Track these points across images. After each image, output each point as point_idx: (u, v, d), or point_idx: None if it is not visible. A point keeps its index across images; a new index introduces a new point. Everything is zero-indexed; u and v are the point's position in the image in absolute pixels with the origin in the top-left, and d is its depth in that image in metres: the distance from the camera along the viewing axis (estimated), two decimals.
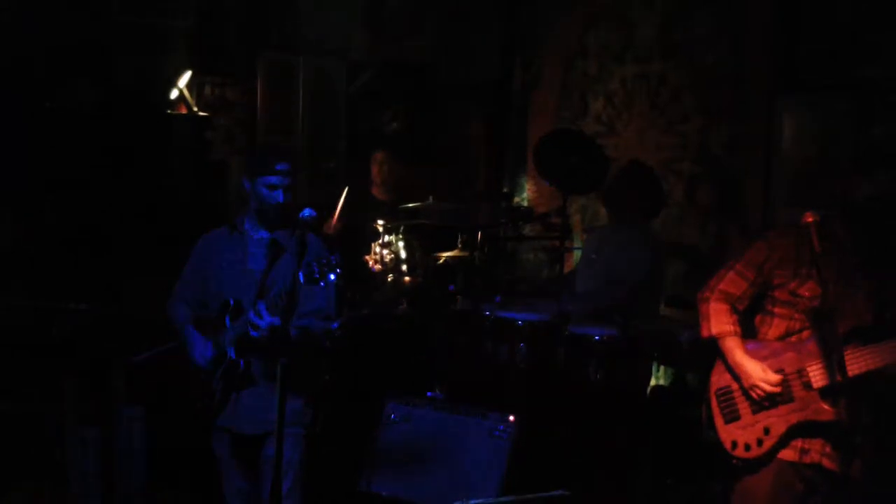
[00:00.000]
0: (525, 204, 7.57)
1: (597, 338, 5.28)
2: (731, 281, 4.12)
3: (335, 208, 6.75)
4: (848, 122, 5.75)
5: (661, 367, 5.91)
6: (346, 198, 6.82)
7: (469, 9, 7.97)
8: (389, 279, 6.39)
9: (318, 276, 3.86)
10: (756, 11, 6.26)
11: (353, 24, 7.85)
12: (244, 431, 4.43)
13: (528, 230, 6.81)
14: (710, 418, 4.10)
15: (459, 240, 6.33)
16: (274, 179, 4.34)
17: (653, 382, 5.21)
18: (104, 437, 5.16)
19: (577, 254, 6.72)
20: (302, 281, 3.88)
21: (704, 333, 4.15)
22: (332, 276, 3.90)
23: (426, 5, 7.96)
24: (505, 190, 7.52)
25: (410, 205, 6.49)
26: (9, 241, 5.91)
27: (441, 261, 6.37)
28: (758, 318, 4.16)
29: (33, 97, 6.63)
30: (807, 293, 3.97)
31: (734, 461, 4.03)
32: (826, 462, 3.95)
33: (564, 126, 7.23)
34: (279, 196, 4.36)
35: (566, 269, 6.36)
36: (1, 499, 5.26)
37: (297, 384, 4.25)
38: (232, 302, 4.41)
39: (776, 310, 4.08)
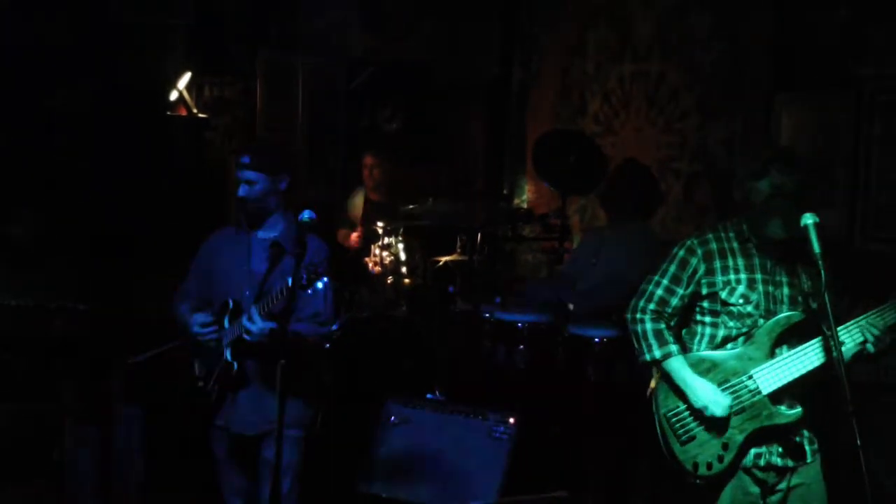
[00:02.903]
0: (524, 205, 7.57)
1: (596, 339, 5.29)
2: (661, 298, 3.97)
3: (352, 219, 6.81)
4: (845, 119, 5.76)
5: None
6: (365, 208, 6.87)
7: (467, 8, 7.96)
8: (389, 281, 6.39)
9: (305, 283, 3.86)
10: (754, 9, 6.27)
11: (352, 23, 7.84)
12: (241, 432, 4.44)
13: (527, 231, 6.81)
14: (665, 441, 3.94)
15: (459, 241, 6.32)
16: (237, 173, 4.40)
17: (652, 384, 5.20)
18: (103, 436, 5.16)
19: (576, 254, 6.72)
20: (290, 286, 3.89)
21: (645, 357, 3.98)
22: (320, 285, 3.89)
23: (425, 4, 7.95)
24: (504, 191, 7.53)
25: (409, 206, 6.48)
26: (8, 241, 5.90)
27: (440, 262, 6.36)
28: (686, 330, 4.04)
29: (32, 97, 6.62)
30: (740, 299, 3.88)
31: (697, 481, 3.90)
32: (778, 459, 3.89)
33: (562, 126, 7.23)
34: (241, 190, 4.38)
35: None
36: None
37: (296, 386, 4.24)
38: (231, 303, 4.41)
39: (707, 319, 3.96)
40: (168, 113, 7.40)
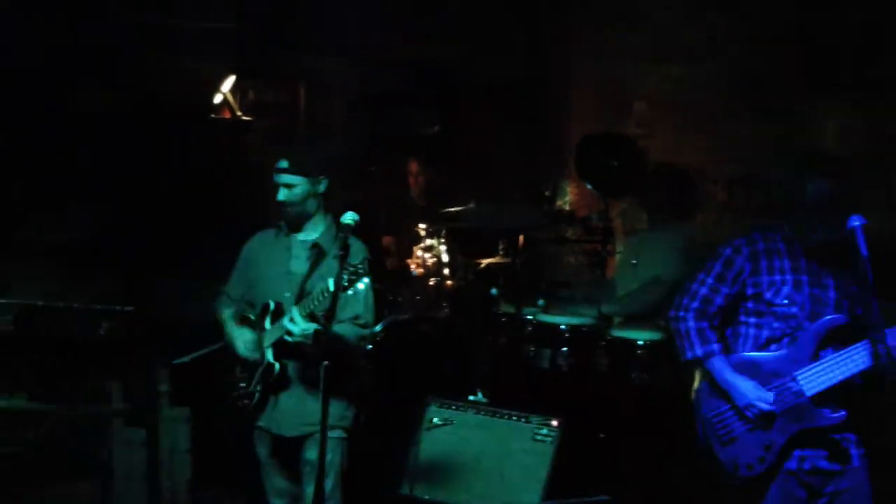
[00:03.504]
0: (566, 207, 7.54)
1: (640, 342, 5.26)
2: (705, 297, 3.97)
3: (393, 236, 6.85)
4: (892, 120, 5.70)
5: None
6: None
7: (508, 10, 7.95)
8: (431, 283, 6.39)
9: (346, 284, 3.89)
10: (795, 11, 6.22)
11: (393, 28, 7.86)
12: (283, 433, 4.47)
13: (569, 233, 6.78)
14: (707, 442, 3.97)
15: (501, 243, 6.31)
16: (275, 177, 4.43)
17: (695, 387, 5.17)
18: (149, 437, 5.20)
19: (618, 258, 6.70)
20: (332, 289, 3.91)
21: (687, 355, 3.98)
22: (361, 286, 3.92)
23: (466, 7, 7.95)
24: (546, 193, 7.50)
25: (452, 209, 6.49)
26: (56, 245, 5.98)
27: (483, 265, 6.36)
28: (730, 331, 4.03)
29: (76, 101, 6.70)
30: (784, 300, 3.88)
31: (736, 482, 3.91)
32: (825, 464, 3.87)
33: (605, 129, 7.20)
34: (280, 194, 4.42)
35: (608, 273, 6.35)
36: (47, 498, 5.32)
37: (339, 387, 4.27)
38: (272, 305, 4.44)
39: (751, 319, 3.96)
40: (212, 116, 7.46)
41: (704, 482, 4.94)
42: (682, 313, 4.01)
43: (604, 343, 5.37)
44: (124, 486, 5.13)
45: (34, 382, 5.33)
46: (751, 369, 3.88)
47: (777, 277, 3.90)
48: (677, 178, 5.93)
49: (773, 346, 3.91)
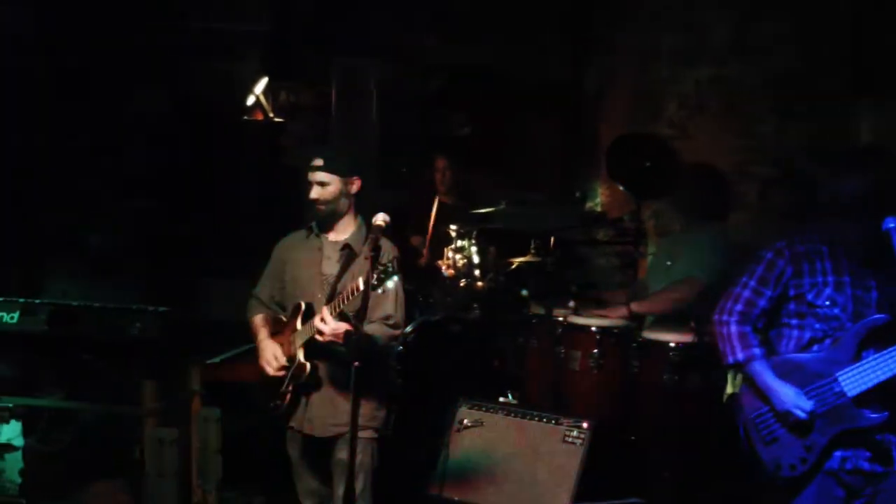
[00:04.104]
0: (598, 208, 7.52)
1: (671, 344, 5.22)
2: (748, 300, 4.00)
3: (423, 236, 6.85)
4: None
5: (738, 375, 5.82)
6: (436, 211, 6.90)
7: (539, 11, 7.94)
8: (462, 284, 6.38)
9: (376, 282, 3.90)
10: (831, 12, 6.16)
11: (424, 28, 7.87)
12: (314, 434, 4.49)
13: (601, 235, 6.76)
14: (749, 440, 3.99)
15: (532, 245, 6.30)
16: (309, 175, 4.46)
17: (728, 390, 5.13)
18: (181, 436, 5.24)
19: (650, 259, 6.66)
20: (361, 287, 3.92)
21: (729, 360, 4.01)
22: (391, 284, 3.94)
23: (497, 8, 7.95)
24: (578, 194, 7.48)
25: (483, 209, 6.48)
26: (89, 248, 6.03)
27: (513, 266, 6.34)
28: (774, 332, 4.05)
29: (110, 103, 6.76)
30: (826, 301, 3.89)
31: (779, 482, 3.93)
32: (866, 465, 3.88)
33: (637, 129, 7.17)
34: (312, 192, 4.45)
35: (640, 274, 6.31)
36: (81, 496, 5.37)
37: (369, 388, 4.28)
38: (304, 305, 4.46)
39: (794, 321, 3.98)
40: (245, 118, 7.50)
41: (735, 485, 4.93)
42: (725, 317, 4.04)
43: (635, 345, 5.34)
44: (156, 485, 5.16)
45: (69, 382, 5.39)
46: (794, 371, 3.91)
47: (819, 279, 3.91)
48: (711, 179, 5.88)
49: (815, 347, 3.93)
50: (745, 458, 4.02)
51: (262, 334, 4.61)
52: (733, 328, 4.00)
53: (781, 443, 3.91)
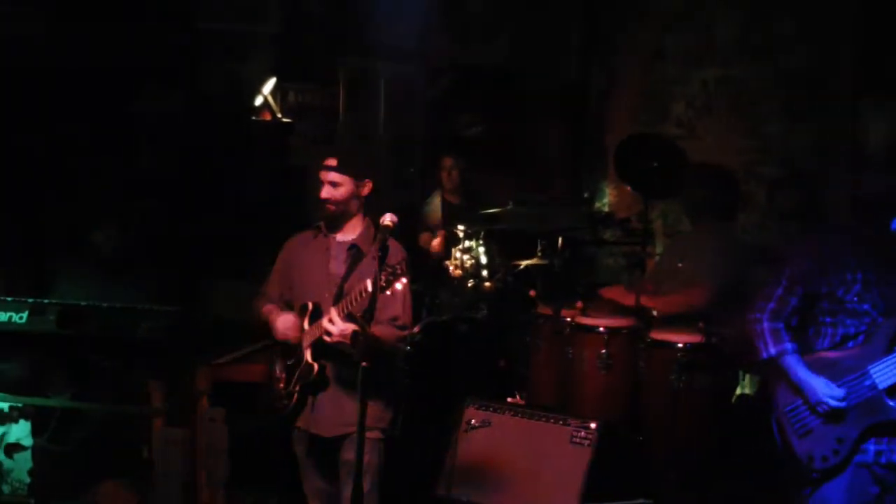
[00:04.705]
0: (606, 209, 7.51)
1: (679, 344, 5.22)
2: (780, 298, 4.12)
3: (432, 227, 6.84)
4: None
5: (747, 375, 5.82)
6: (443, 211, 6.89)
7: (547, 12, 7.94)
8: (470, 284, 6.39)
9: (384, 284, 3.90)
10: (839, 12, 6.15)
11: (432, 29, 7.88)
12: (320, 434, 4.49)
13: (608, 235, 6.75)
14: (783, 434, 4.11)
15: (539, 245, 6.30)
16: (321, 174, 4.46)
17: (738, 391, 5.13)
18: (189, 436, 5.25)
19: (660, 259, 6.65)
20: (370, 289, 3.93)
21: (763, 355, 4.14)
22: (399, 286, 3.94)
23: (504, 9, 7.95)
24: (585, 195, 7.48)
25: (490, 210, 6.48)
26: (96, 248, 6.04)
27: (521, 266, 6.34)
28: (812, 330, 4.16)
29: (118, 104, 6.77)
30: (855, 297, 3.98)
31: (813, 475, 4.03)
32: None
33: (644, 130, 7.16)
34: (324, 191, 4.45)
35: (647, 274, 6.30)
36: (89, 496, 5.39)
37: (377, 389, 4.28)
38: (311, 305, 4.46)
39: (827, 319, 4.08)
40: (253, 118, 7.51)
41: (743, 485, 4.94)
42: (758, 315, 4.16)
43: (643, 345, 5.33)
44: (163, 485, 5.17)
45: (77, 382, 5.40)
46: (826, 367, 4.03)
47: (848, 276, 4.00)
48: (719, 179, 5.87)
49: (850, 344, 4.04)
50: (776, 454, 4.15)
51: (275, 312, 4.60)
52: (766, 325, 4.13)
53: (815, 435, 4.02)
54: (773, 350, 4.11)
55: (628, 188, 6.40)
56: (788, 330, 4.12)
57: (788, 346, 4.10)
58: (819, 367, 4.04)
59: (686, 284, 5.53)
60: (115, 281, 5.80)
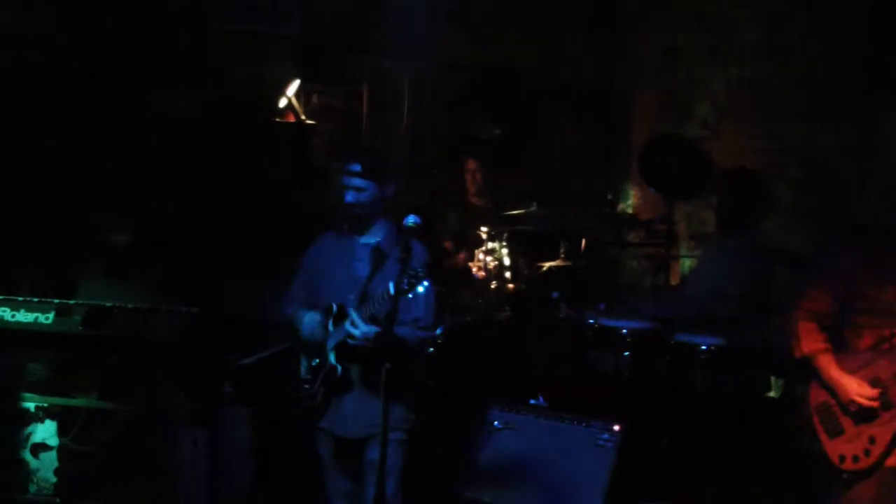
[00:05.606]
0: (629, 211, 7.49)
1: (703, 347, 5.20)
2: (816, 297, 4.15)
3: (457, 239, 6.86)
4: None
5: (774, 379, 5.79)
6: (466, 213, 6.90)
7: (568, 12, 7.92)
8: (493, 286, 6.38)
9: (406, 287, 3.91)
10: (860, 13, 6.12)
11: (455, 30, 7.87)
12: (345, 435, 4.50)
13: (631, 237, 6.73)
14: (814, 434, 4.13)
15: (562, 247, 6.29)
16: (345, 179, 4.47)
17: (771, 393, 5.12)
18: (213, 437, 5.26)
19: (682, 261, 6.63)
20: (392, 292, 3.94)
21: (796, 353, 4.17)
22: (421, 289, 3.95)
23: (525, 9, 7.94)
24: (608, 196, 7.46)
25: (513, 212, 6.47)
26: (124, 245, 6.08)
27: (544, 268, 6.34)
28: (847, 331, 4.16)
29: (142, 104, 6.80)
30: (891, 298, 3.99)
31: (844, 475, 4.04)
32: None
33: (667, 130, 7.14)
34: (346, 196, 4.46)
35: (671, 276, 6.28)
36: (114, 495, 5.42)
37: (399, 390, 4.28)
38: (335, 307, 4.47)
39: (863, 320, 4.09)
40: (276, 120, 7.53)
41: (767, 488, 4.91)
42: (792, 314, 4.20)
43: (666, 347, 5.32)
44: (188, 485, 5.19)
45: (103, 382, 5.43)
46: (860, 367, 4.05)
47: (883, 276, 4.02)
48: (746, 181, 5.84)
49: (885, 345, 4.05)
50: (804, 456, 4.21)
51: (300, 313, 4.61)
52: (800, 324, 4.16)
53: (846, 435, 4.04)
54: (805, 349, 4.14)
55: (651, 190, 6.39)
56: (822, 329, 4.14)
57: (821, 345, 4.12)
58: (852, 368, 4.05)
59: (706, 292, 5.51)
60: (138, 281, 5.82)
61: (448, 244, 7.06)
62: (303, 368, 4.60)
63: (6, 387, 5.32)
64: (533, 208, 6.47)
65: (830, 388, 4.08)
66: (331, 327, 4.47)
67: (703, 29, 7.21)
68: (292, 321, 4.62)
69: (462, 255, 6.75)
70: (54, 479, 5.30)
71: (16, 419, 5.30)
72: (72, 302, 5.28)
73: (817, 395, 4.14)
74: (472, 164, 7.11)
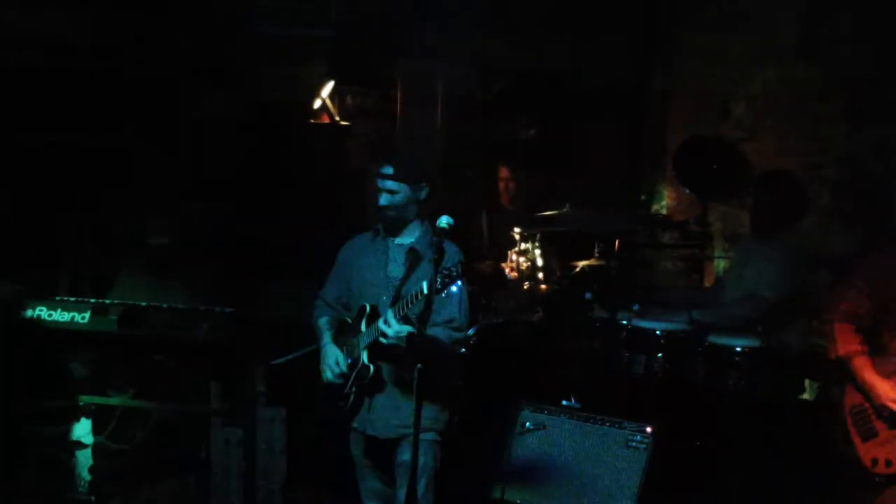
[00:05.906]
0: (663, 211, 7.45)
1: (738, 349, 5.16)
2: (853, 300, 4.16)
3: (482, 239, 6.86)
4: None
5: (809, 382, 5.74)
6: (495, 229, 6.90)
7: (604, 14, 7.89)
8: (525, 287, 6.37)
9: (440, 286, 3.91)
10: None
11: (489, 31, 7.86)
12: (377, 435, 4.51)
13: (666, 238, 6.69)
14: (848, 436, 4.14)
15: (596, 248, 6.26)
16: (378, 182, 4.48)
17: (805, 396, 5.09)
18: (247, 436, 5.29)
19: (717, 263, 6.58)
20: (425, 291, 3.94)
21: (832, 355, 4.19)
22: (454, 288, 3.95)
23: (562, 11, 7.92)
24: (643, 197, 7.43)
25: (547, 212, 6.46)
26: (159, 246, 6.13)
27: (577, 269, 6.31)
28: (886, 335, 4.17)
29: (178, 108, 6.86)
30: None
31: (876, 479, 4.04)
32: None
33: (704, 132, 7.10)
34: (380, 199, 4.47)
35: (706, 278, 6.24)
36: (148, 494, 5.46)
37: (432, 390, 4.28)
38: (368, 307, 4.49)
39: None
40: (311, 121, 7.56)
41: (799, 491, 4.87)
42: (831, 315, 4.23)
43: (700, 349, 5.28)
44: (221, 484, 5.23)
45: (138, 381, 5.48)
46: (892, 370, 4.07)
47: None
48: (782, 182, 5.77)
49: None
50: (842, 457, 4.19)
51: (326, 337, 4.65)
52: (837, 325, 4.19)
53: (879, 438, 4.05)
54: (841, 351, 4.15)
55: (686, 191, 6.35)
56: (858, 331, 4.14)
57: (856, 347, 4.12)
58: (889, 371, 4.04)
59: (742, 295, 5.46)
60: (173, 281, 5.87)
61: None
62: (331, 366, 4.59)
63: None
64: (566, 209, 6.44)
65: (865, 392, 4.06)
66: (363, 327, 4.48)
67: (740, 29, 7.16)
68: (319, 340, 4.65)
69: (490, 262, 6.73)
70: (89, 477, 5.35)
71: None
72: (108, 301, 5.33)
73: (852, 398, 4.14)
74: (504, 172, 7.10)
